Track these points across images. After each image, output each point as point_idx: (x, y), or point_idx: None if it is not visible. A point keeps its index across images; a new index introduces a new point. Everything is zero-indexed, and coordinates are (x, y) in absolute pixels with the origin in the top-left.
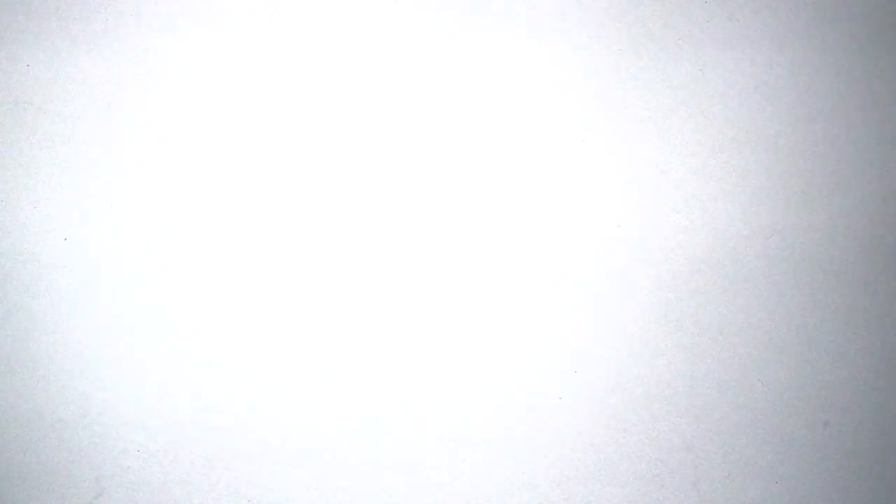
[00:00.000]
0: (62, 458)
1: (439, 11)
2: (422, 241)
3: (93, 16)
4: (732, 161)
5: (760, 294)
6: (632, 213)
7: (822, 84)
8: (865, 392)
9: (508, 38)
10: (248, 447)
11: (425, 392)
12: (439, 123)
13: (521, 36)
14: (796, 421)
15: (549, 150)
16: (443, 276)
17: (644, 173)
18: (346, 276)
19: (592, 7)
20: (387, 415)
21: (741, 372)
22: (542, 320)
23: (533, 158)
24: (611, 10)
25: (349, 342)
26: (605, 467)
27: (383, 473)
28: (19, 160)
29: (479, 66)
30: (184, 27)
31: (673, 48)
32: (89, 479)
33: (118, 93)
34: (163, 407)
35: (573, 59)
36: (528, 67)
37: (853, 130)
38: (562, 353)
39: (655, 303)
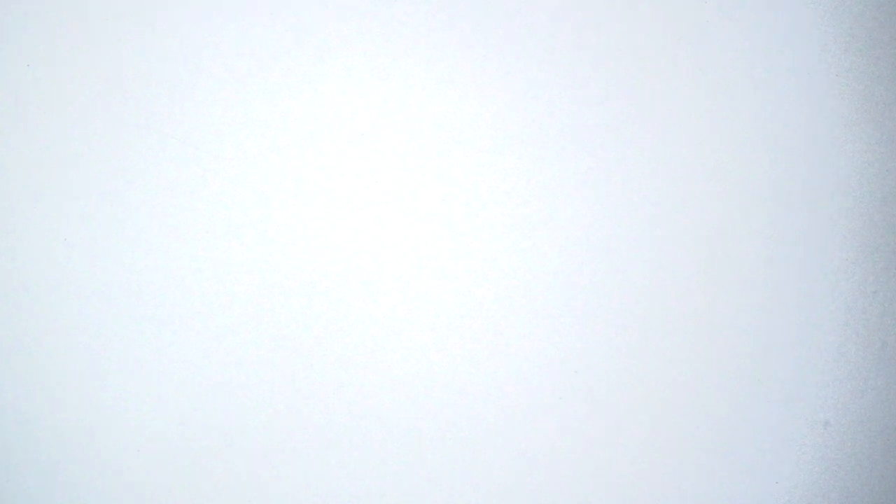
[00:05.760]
0: (62, 459)
1: (435, 12)
2: (422, 242)
3: (93, 16)
4: (732, 161)
5: (760, 294)
6: (632, 214)
7: (822, 84)
8: (865, 392)
9: (508, 37)
10: (247, 446)
11: (425, 391)
12: (439, 122)
13: (521, 35)
14: (796, 421)
15: (550, 150)
16: (443, 277)
17: (644, 174)
18: (346, 276)
19: (594, 7)
20: (387, 415)
21: (741, 372)
22: (543, 320)
23: (533, 158)
24: (611, 10)
25: (349, 342)
26: (604, 467)
27: (383, 473)
28: (19, 160)
29: (479, 65)
30: (184, 27)
31: (673, 48)
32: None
33: (118, 93)
34: (163, 407)
35: (573, 58)
36: (527, 67)
37: (853, 130)
38: (562, 353)
39: (655, 303)
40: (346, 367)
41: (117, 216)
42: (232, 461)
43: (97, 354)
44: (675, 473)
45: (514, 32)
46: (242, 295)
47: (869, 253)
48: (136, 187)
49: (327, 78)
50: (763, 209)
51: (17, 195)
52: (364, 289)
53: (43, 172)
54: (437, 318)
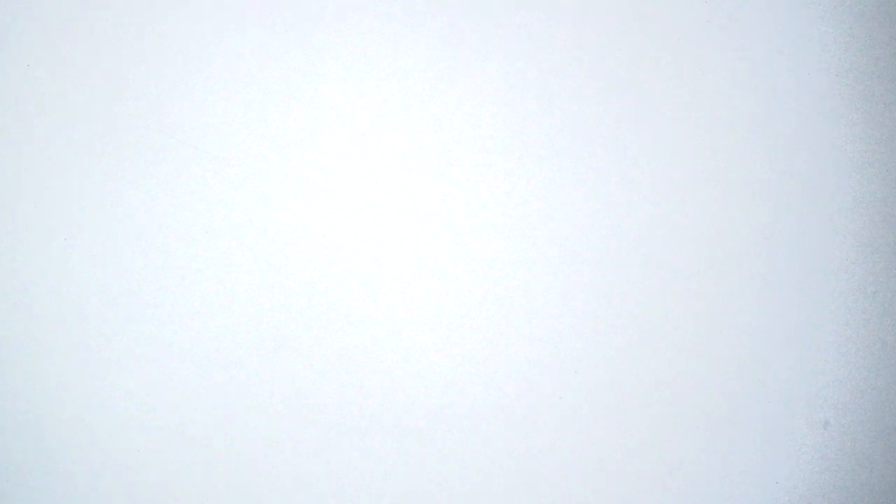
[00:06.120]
0: (62, 458)
1: (435, 12)
2: (422, 242)
3: (93, 16)
4: (732, 161)
5: (760, 294)
6: (631, 214)
7: (822, 84)
8: (865, 392)
9: (508, 37)
10: (247, 446)
11: (425, 391)
12: (439, 122)
13: (521, 36)
14: (796, 421)
15: (550, 150)
16: (443, 277)
17: (643, 174)
18: (346, 276)
19: (593, 7)
20: (387, 415)
21: (741, 372)
22: (543, 320)
23: (534, 158)
24: (611, 10)
25: (349, 342)
26: (605, 467)
27: (383, 473)
28: (20, 160)
29: (479, 65)
30: (184, 27)
31: (673, 48)
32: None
33: (118, 93)
34: (163, 406)
35: (574, 58)
36: (527, 67)
37: (853, 130)
38: (562, 353)
39: (655, 303)
40: (346, 367)
41: (117, 216)
42: (232, 461)
43: (97, 354)
44: (675, 473)
45: (514, 32)
46: (242, 295)
47: (869, 253)
48: (136, 187)
49: (327, 78)
50: (763, 209)
51: (17, 195)
52: (364, 289)
53: (43, 172)
54: (437, 318)
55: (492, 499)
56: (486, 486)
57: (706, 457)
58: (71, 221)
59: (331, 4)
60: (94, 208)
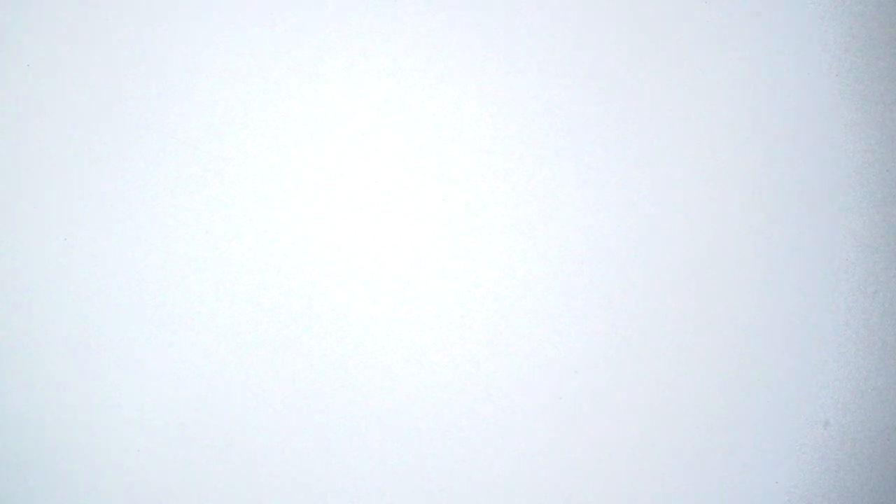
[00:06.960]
0: (62, 458)
1: (435, 12)
2: (422, 242)
3: (93, 16)
4: (732, 161)
5: (760, 294)
6: (631, 214)
7: (822, 84)
8: (865, 392)
9: (508, 37)
10: (247, 446)
11: (425, 391)
12: (439, 122)
13: (521, 35)
14: (796, 421)
15: (550, 150)
16: (443, 277)
17: (643, 174)
18: (346, 276)
19: (593, 7)
20: (387, 415)
21: (741, 372)
22: (543, 320)
23: (534, 158)
24: (611, 10)
25: (350, 342)
26: (605, 467)
27: (383, 473)
28: (19, 160)
29: (479, 65)
30: (184, 27)
31: (673, 48)
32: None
33: (118, 93)
34: (163, 407)
35: (574, 58)
36: (527, 67)
37: (853, 130)
38: (562, 353)
39: (655, 303)
40: (346, 367)
41: (117, 216)
42: (232, 461)
43: (97, 354)
44: (675, 473)
45: (514, 32)
46: (242, 295)
47: (869, 253)
48: (136, 187)
49: (327, 78)
50: (763, 209)
51: (17, 195)
52: (364, 289)
53: (43, 172)
54: (437, 318)
55: (492, 499)
56: (486, 485)
57: (706, 457)
58: (71, 221)
59: (331, 4)
60: (94, 208)
